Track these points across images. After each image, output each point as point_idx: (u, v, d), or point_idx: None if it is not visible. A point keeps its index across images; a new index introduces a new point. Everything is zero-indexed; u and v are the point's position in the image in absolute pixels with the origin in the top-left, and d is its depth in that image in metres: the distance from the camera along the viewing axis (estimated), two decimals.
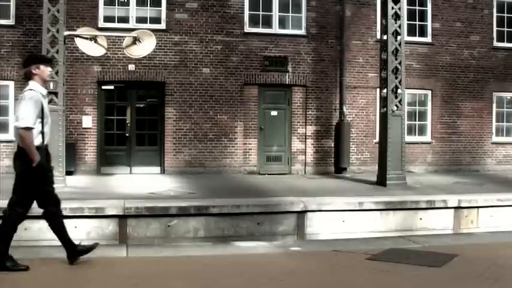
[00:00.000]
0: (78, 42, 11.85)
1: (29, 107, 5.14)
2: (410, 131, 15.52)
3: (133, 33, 12.05)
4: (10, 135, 13.47)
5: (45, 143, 5.32)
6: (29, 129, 5.12)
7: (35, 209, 8.80)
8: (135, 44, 11.91)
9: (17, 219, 5.31)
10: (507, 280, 5.27)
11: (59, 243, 5.48)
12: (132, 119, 14.45)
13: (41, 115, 5.23)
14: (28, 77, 5.38)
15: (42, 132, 5.27)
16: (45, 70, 5.42)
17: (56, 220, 5.44)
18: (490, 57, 16.39)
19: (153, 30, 12.55)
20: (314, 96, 15.18)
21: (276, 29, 15.06)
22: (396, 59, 12.71)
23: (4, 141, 13.32)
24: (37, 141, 5.21)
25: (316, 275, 5.37)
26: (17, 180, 5.29)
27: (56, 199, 5.47)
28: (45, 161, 5.31)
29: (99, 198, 9.99)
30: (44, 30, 11.47)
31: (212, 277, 5.23)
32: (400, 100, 12.79)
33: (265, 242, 7.54)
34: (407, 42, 13.90)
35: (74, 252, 5.43)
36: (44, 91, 5.40)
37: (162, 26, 14.29)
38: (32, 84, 5.32)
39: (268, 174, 14.72)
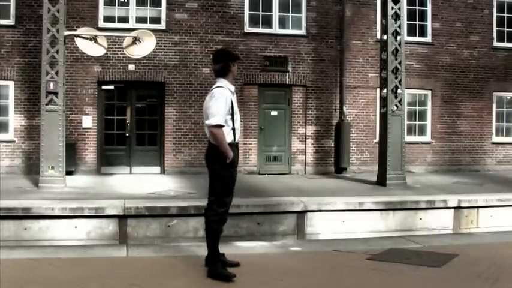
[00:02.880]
0: (78, 42, 11.86)
1: (220, 105, 5.01)
2: (410, 131, 15.52)
3: (133, 33, 12.05)
4: (10, 135, 13.50)
5: (236, 140, 5.20)
6: (220, 126, 5.03)
7: (34, 208, 8.90)
8: (135, 44, 11.91)
9: (217, 219, 5.09)
10: (507, 280, 5.27)
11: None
12: (132, 119, 14.46)
13: (231, 112, 5.12)
14: (223, 73, 5.22)
15: (233, 129, 5.16)
16: (236, 68, 5.34)
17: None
18: (490, 57, 16.39)
19: (153, 30, 12.55)
20: (314, 96, 15.18)
21: (276, 29, 15.06)
22: (396, 59, 12.71)
23: (4, 141, 13.31)
24: (229, 138, 5.09)
25: (316, 275, 5.37)
26: (211, 179, 5.15)
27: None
28: (237, 158, 5.21)
29: (99, 198, 9.99)
30: (44, 30, 11.47)
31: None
32: (400, 100, 12.80)
33: (265, 242, 7.51)
34: (407, 42, 13.90)
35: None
36: (232, 87, 5.25)
37: (162, 26, 14.30)
38: (222, 81, 5.19)
39: (268, 174, 14.73)
